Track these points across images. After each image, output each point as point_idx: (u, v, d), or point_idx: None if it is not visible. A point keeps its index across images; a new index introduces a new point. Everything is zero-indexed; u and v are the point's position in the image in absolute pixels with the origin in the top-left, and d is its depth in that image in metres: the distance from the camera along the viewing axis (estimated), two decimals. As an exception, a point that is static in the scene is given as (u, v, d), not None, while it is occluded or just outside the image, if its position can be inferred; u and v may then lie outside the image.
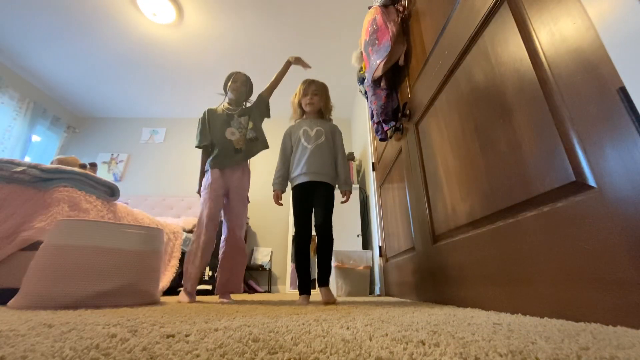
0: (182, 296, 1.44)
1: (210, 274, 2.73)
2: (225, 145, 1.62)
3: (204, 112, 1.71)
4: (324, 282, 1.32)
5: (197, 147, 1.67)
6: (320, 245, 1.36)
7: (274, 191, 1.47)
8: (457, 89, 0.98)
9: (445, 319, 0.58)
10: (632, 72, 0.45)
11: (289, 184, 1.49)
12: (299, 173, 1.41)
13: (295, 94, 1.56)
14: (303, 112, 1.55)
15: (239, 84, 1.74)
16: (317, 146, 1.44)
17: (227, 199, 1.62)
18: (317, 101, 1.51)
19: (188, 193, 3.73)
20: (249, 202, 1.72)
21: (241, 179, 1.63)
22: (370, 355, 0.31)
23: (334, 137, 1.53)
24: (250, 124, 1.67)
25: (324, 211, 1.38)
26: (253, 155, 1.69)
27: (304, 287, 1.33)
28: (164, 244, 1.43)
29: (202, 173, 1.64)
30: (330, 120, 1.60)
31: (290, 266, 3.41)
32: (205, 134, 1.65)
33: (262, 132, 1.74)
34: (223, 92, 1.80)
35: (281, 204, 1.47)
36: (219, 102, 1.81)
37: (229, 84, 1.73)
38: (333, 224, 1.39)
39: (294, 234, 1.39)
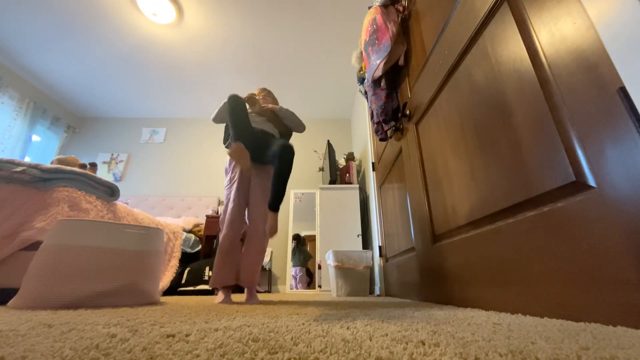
0: (217, 297, 1.40)
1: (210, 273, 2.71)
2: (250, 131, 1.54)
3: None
4: (276, 207, 1.32)
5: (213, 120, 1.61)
6: (283, 168, 1.31)
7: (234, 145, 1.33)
8: (457, 89, 0.98)
9: (445, 319, 0.58)
10: (632, 72, 0.45)
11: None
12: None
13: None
14: None
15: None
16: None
17: (248, 190, 1.53)
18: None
19: (188, 193, 3.74)
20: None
21: (264, 169, 1.55)
22: (370, 355, 0.31)
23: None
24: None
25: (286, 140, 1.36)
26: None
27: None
28: (164, 244, 1.43)
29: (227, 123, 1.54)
30: None
31: (290, 267, 3.41)
32: (222, 115, 1.58)
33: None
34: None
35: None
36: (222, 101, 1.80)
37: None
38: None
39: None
